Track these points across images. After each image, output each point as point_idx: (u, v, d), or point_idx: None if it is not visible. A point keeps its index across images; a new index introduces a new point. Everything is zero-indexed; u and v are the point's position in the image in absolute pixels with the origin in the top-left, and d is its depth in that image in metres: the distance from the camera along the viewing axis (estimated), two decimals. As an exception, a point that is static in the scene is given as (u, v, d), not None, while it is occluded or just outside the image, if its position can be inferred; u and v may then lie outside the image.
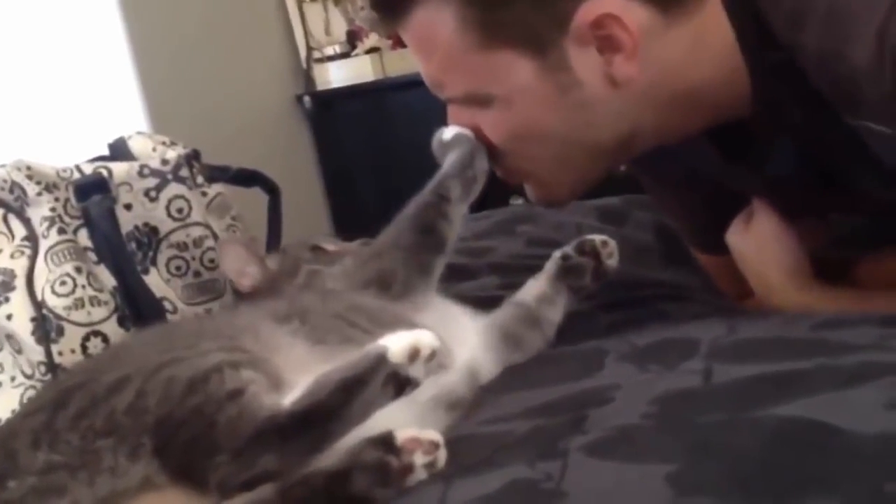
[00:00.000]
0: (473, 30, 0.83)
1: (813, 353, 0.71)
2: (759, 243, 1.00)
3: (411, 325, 0.80)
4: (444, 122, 2.85)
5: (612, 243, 0.92)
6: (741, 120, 0.88)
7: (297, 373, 0.71)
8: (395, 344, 0.65)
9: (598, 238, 0.92)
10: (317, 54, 2.65)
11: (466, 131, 0.90)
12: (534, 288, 0.92)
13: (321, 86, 2.64)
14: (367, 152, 2.60)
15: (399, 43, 2.60)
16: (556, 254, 0.93)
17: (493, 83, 0.86)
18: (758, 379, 0.68)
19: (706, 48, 0.85)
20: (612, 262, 0.92)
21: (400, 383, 0.64)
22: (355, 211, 2.62)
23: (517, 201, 2.28)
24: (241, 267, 0.93)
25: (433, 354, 0.66)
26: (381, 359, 0.64)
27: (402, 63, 2.53)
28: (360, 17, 2.70)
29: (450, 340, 0.81)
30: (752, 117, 0.87)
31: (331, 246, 0.95)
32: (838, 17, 0.76)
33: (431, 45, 0.87)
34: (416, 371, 0.65)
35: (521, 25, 0.83)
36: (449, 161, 0.90)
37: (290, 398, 0.63)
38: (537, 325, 0.90)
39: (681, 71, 0.85)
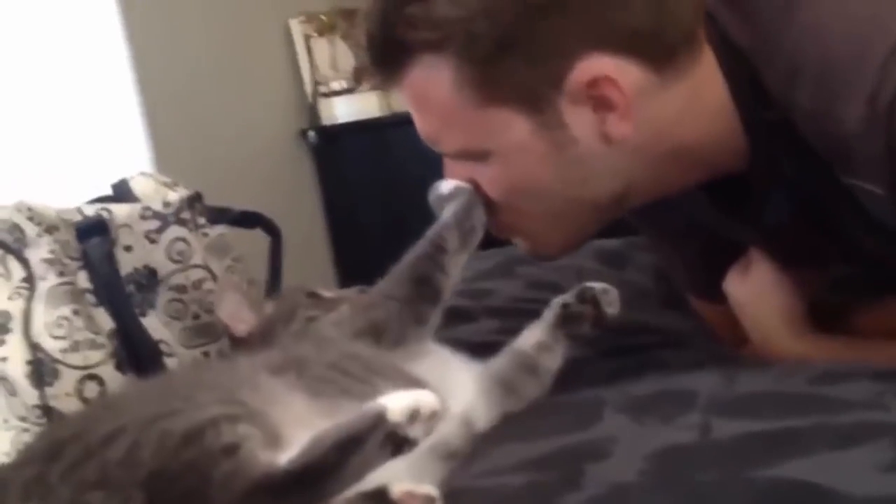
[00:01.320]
0: (469, 87, 0.84)
1: (809, 409, 0.71)
2: (756, 292, 1.00)
3: (407, 375, 0.80)
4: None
5: (613, 292, 0.92)
6: (737, 173, 0.89)
7: (295, 427, 0.70)
8: (395, 403, 0.64)
9: (598, 286, 0.92)
10: (323, 89, 2.67)
11: (464, 184, 0.91)
12: (532, 336, 0.91)
13: (326, 121, 2.66)
14: (371, 187, 2.61)
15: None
16: (557, 300, 0.93)
17: (488, 140, 0.86)
18: (754, 436, 0.68)
19: (701, 106, 0.86)
20: (612, 310, 0.92)
21: (398, 443, 0.63)
22: (358, 246, 2.63)
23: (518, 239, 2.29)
24: (236, 313, 0.93)
25: (433, 415, 0.65)
26: (380, 418, 0.63)
27: (407, 99, 2.54)
28: (360, 58, 2.71)
29: (445, 388, 0.80)
30: (748, 171, 0.88)
31: (327, 293, 0.96)
32: (830, 77, 0.77)
33: (428, 101, 0.88)
34: (415, 431, 0.64)
35: (517, 83, 0.83)
36: (447, 212, 0.90)
37: (286, 456, 0.63)
38: (535, 374, 0.89)
39: (676, 129, 0.86)
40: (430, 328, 0.88)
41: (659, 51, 0.83)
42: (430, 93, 0.87)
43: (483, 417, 0.84)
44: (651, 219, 1.09)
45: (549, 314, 0.92)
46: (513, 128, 0.85)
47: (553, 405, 0.86)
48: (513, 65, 0.83)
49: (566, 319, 0.91)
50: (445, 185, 0.92)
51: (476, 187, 0.90)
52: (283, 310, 0.93)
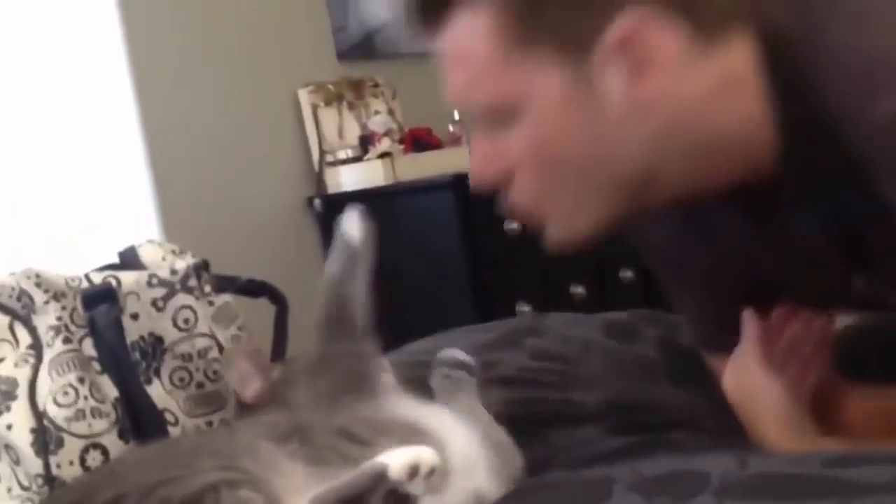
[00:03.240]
0: (506, 37, 0.83)
1: (824, 493, 0.69)
2: (748, 392, 0.99)
3: (413, 429, 0.80)
4: (453, 225, 2.87)
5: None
6: (764, 184, 0.87)
7: (295, 495, 0.70)
8: (396, 460, 0.65)
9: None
10: (329, 157, 2.69)
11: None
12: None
13: (332, 189, 2.67)
14: (376, 255, 2.61)
15: (410, 147, 2.65)
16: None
17: (521, 93, 0.85)
18: (769, 520, 0.67)
19: (732, 91, 0.84)
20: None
21: (399, 500, 0.64)
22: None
23: (523, 308, 2.29)
24: (245, 378, 0.93)
25: (433, 471, 0.66)
26: (380, 476, 0.64)
27: (413, 167, 2.56)
28: (374, 121, 2.75)
29: (446, 438, 0.80)
30: (775, 177, 0.86)
31: None
32: (866, 74, 0.76)
33: (466, 53, 0.87)
34: (415, 487, 0.65)
35: (554, 34, 0.83)
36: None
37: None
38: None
39: (705, 112, 0.84)
40: None
41: (703, 15, 0.83)
42: (468, 43, 0.86)
43: (492, 491, 0.83)
44: (670, 264, 1.07)
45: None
46: (546, 81, 0.84)
47: (562, 483, 0.84)
48: (553, 14, 0.82)
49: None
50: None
51: (500, 163, 0.89)
52: (285, 377, 0.93)
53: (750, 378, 0.99)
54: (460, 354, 0.92)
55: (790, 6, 0.83)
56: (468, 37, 0.86)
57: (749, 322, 1.01)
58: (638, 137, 0.85)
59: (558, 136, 0.86)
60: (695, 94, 0.84)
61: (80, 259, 1.21)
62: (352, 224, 0.89)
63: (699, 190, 0.90)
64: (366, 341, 0.90)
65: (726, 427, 0.99)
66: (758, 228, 0.93)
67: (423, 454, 0.66)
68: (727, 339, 1.03)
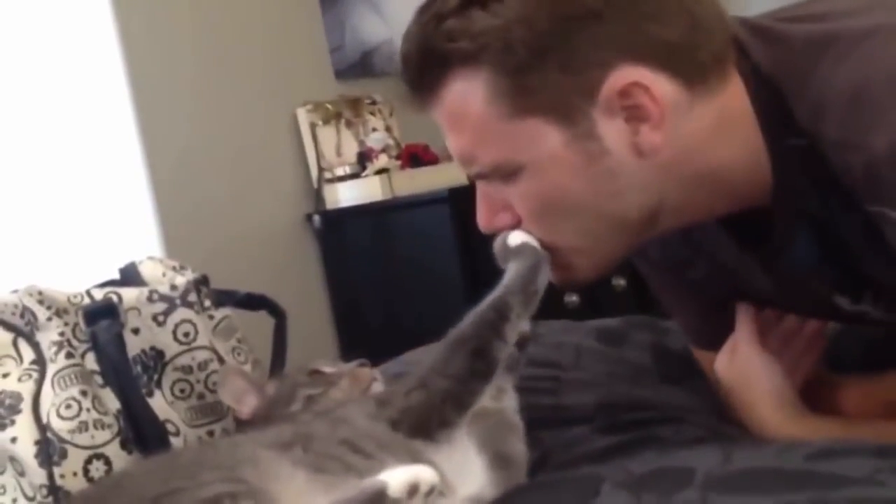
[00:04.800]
0: (503, 99, 0.85)
1: (806, 485, 0.71)
2: (744, 377, 1.01)
3: (414, 451, 0.81)
4: (450, 238, 2.88)
5: None
6: (761, 210, 0.89)
7: (298, 502, 0.71)
8: (395, 479, 0.66)
9: None
10: (328, 174, 2.72)
11: (533, 241, 0.90)
12: None
13: (331, 205, 2.70)
14: (373, 269, 2.63)
15: (407, 163, 2.67)
16: None
17: (522, 153, 0.86)
18: (751, 512, 0.69)
19: (729, 130, 0.86)
20: (526, 327, 0.92)
21: None
22: (361, 326, 2.64)
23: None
24: (239, 396, 0.95)
25: (432, 490, 0.66)
26: (380, 494, 0.65)
27: (410, 183, 2.59)
28: (371, 138, 2.77)
29: (455, 470, 0.81)
30: (773, 203, 0.88)
31: (328, 368, 0.97)
32: (861, 107, 0.78)
33: (462, 117, 0.88)
34: None
35: (551, 93, 0.84)
36: (512, 272, 0.89)
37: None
38: (510, 425, 0.91)
39: (704, 149, 0.86)
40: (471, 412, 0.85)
41: (691, 67, 0.85)
42: (465, 107, 0.87)
43: (489, 497, 0.84)
44: (663, 268, 1.09)
45: None
46: (546, 139, 0.85)
47: (551, 482, 0.86)
48: (547, 74, 0.84)
49: None
50: (514, 237, 0.91)
51: (511, 212, 0.90)
52: (284, 390, 0.95)
53: (744, 361, 1.00)
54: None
55: (775, 52, 0.85)
56: (466, 102, 0.87)
57: (743, 309, 1.03)
58: (642, 182, 0.87)
59: (561, 189, 0.88)
60: (694, 134, 0.86)
61: (82, 276, 1.23)
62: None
63: (698, 218, 0.92)
64: None
65: (714, 422, 1.00)
66: (749, 256, 0.95)
67: (422, 473, 0.67)
68: (718, 337, 1.05)
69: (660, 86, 0.83)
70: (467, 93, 0.87)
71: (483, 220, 0.93)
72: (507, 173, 0.88)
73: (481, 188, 0.93)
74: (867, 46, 0.80)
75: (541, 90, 0.84)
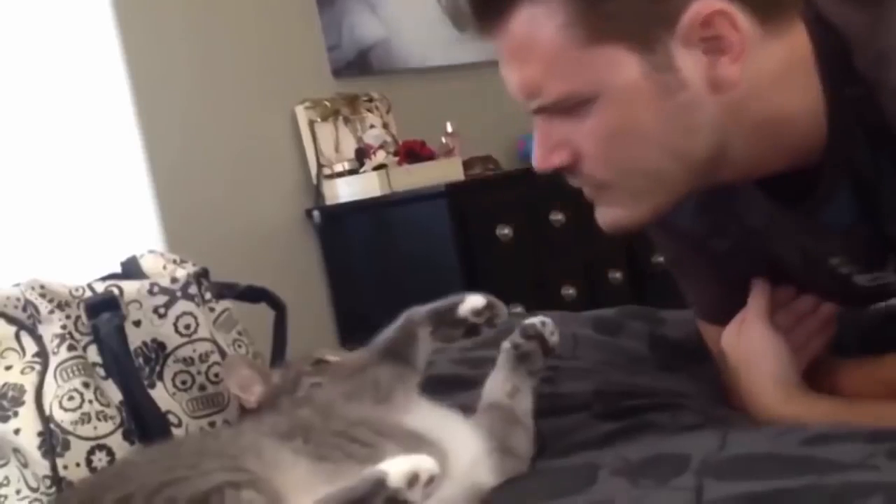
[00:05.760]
0: (580, 25, 0.82)
1: (802, 470, 0.72)
2: (749, 354, 1.00)
3: (412, 434, 0.82)
4: (447, 233, 2.88)
5: (550, 322, 0.95)
6: (804, 170, 0.88)
7: (299, 492, 0.72)
8: (396, 468, 0.66)
9: (537, 320, 0.95)
10: (326, 171, 2.73)
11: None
12: (500, 385, 0.93)
13: (330, 200, 2.71)
14: (373, 263, 2.64)
15: (405, 159, 2.68)
16: (506, 345, 0.94)
17: (597, 82, 0.84)
18: (747, 497, 0.69)
19: (793, 75, 0.85)
20: (554, 338, 0.94)
21: None
22: (360, 319, 2.65)
23: (517, 309, 2.31)
24: (245, 386, 0.95)
25: (432, 479, 0.67)
26: (380, 483, 0.66)
27: (407, 178, 2.60)
28: (369, 135, 2.78)
29: (447, 444, 0.82)
30: (823, 157, 0.87)
31: (333, 357, 0.97)
32: None
33: (532, 46, 0.85)
34: (414, 495, 0.66)
35: (629, 20, 0.82)
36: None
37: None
38: (518, 422, 0.91)
39: (769, 93, 0.85)
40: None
41: (767, 3, 0.84)
42: (537, 34, 0.84)
43: (488, 484, 0.85)
44: (684, 242, 1.07)
45: (505, 359, 0.94)
46: (623, 68, 0.83)
47: (548, 469, 0.87)
48: (623, 3, 0.82)
49: (521, 359, 0.93)
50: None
51: (572, 147, 0.88)
52: (289, 378, 0.95)
53: (751, 335, 1.00)
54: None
55: (843, 1, 0.85)
56: (538, 30, 0.84)
57: (759, 284, 1.02)
58: (711, 120, 0.85)
59: (634, 121, 0.85)
60: (763, 76, 0.85)
61: (84, 270, 1.23)
62: (475, 303, 0.92)
63: (755, 173, 0.91)
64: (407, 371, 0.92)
65: (710, 408, 1.01)
66: (784, 214, 0.94)
67: (422, 463, 0.67)
68: (729, 312, 1.03)
69: (737, 19, 0.82)
70: (540, 18, 0.83)
71: (540, 157, 0.90)
72: (574, 105, 0.85)
73: (540, 124, 0.89)
74: None
75: (620, 16, 0.82)
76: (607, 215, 0.92)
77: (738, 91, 0.84)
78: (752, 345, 1.00)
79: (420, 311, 0.92)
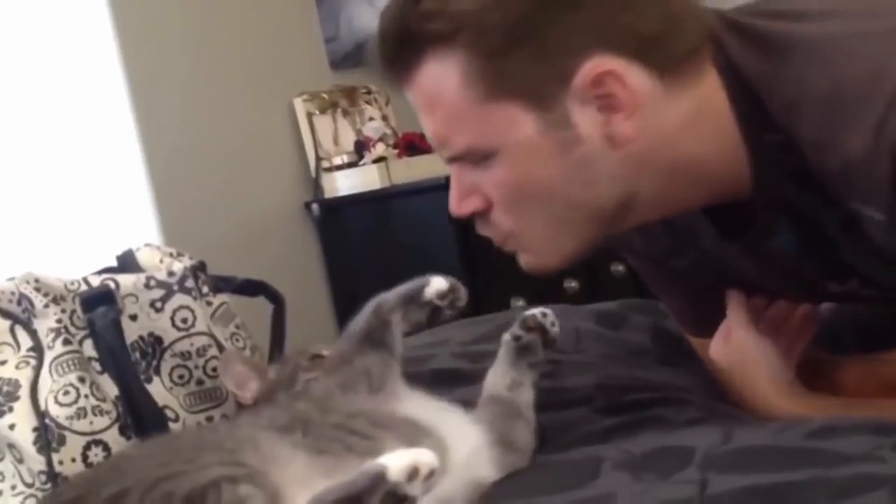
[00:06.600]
0: (479, 82, 0.84)
1: (806, 463, 0.71)
2: (741, 360, 1.01)
3: (411, 424, 0.82)
4: (447, 225, 2.86)
5: (551, 312, 0.95)
6: (742, 199, 0.89)
7: (297, 486, 0.71)
8: (395, 462, 0.66)
9: (537, 311, 0.95)
10: (325, 163, 2.72)
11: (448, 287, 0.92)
12: (501, 378, 0.93)
13: (329, 193, 2.70)
14: (372, 256, 2.64)
15: (404, 151, 2.67)
16: (506, 337, 0.94)
17: (496, 137, 0.86)
18: (751, 491, 0.69)
19: (704, 123, 0.86)
20: (555, 329, 0.94)
21: (398, 501, 0.65)
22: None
23: (518, 302, 2.30)
24: (241, 382, 0.95)
25: (432, 473, 0.66)
26: (380, 477, 0.65)
27: (407, 171, 2.59)
28: (368, 127, 2.77)
29: (445, 434, 0.82)
30: (752, 196, 0.88)
31: (328, 352, 0.97)
32: (835, 107, 0.78)
33: (437, 99, 0.88)
34: (414, 489, 0.65)
35: (525, 78, 0.84)
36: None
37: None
38: (520, 415, 0.91)
39: (679, 141, 0.86)
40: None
41: (664, 58, 0.84)
42: (440, 89, 0.87)
43: (489, 477, 0.84)
44: (650, 261, 1.09)
45: (506, 351, 0.94)
46: (520, 125, 0.85)
47: (551, 463, 0.86)
48: (522, 59, 0.83)
49: (521, 351, 0.93)
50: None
51: (482, 194, 0.90)
52: (285, 373, 0.95)
53: (740, 345, 1.01)
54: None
55: (751, 49, 0.85)
56: (441, 86, 0.87)
57: (734, 296, 1.03)
58: (615, 172, 0.87)
59: (533, 176, 0.87)
60: (668, 125, 0.86)
61: (80, 264, 1.23)
62: (439, 285, 0.92)
63: (674, 211, 0.92)
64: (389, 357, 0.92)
65: (713, 402, 1.00)
66: (731, 243, 0.95)
67: (422, 456, 0.67)
68: (710, 324, 1.05)
69: (633, 76, 0.83)
70: (442, 75, 0.86)
71: (454, 203, 0.93)
72: (479, 158, 0.88)
73: (454, 172, 0.92)
74: (841, 49, 0.80)
75: (516, 75, 0.84)
76: (522, 259, 0.95)
77: (641, 143, 0.85)
78: (743, 354, 1.01)
79: (388, 297, 0.94)
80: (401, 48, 0.88)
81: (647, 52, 0.83)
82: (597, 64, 0.82)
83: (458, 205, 0.93)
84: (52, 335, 0.96)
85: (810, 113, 0.80)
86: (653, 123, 0.85)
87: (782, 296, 1.03)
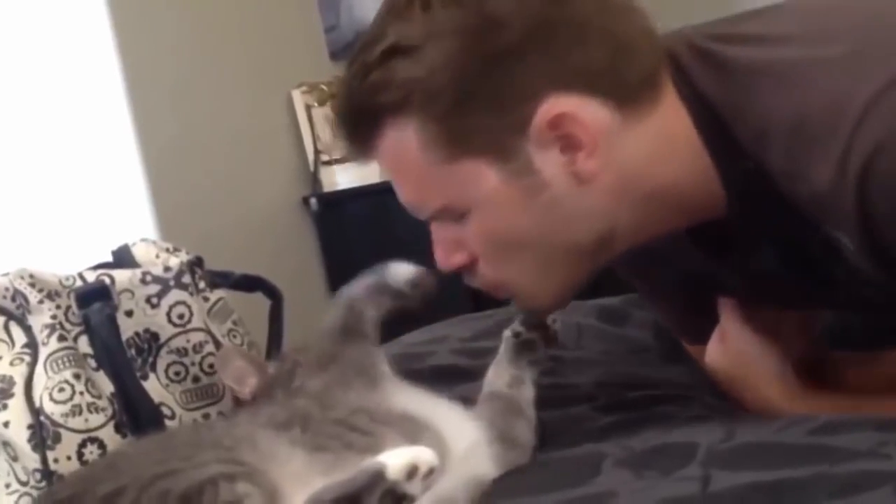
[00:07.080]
0: (436, 145, 0.85)
1: (809, 459, 0.71)
2: (741, 361, 1.00)
3: (411, 419, 0.81)
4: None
5: None
6: (719, 224, 0.89)
7: (296, 484, 0.71)
8: (395, 460, 0.66)
9: None
10: (324, 157, 2.71)
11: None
12: (501, 374, 0.93)
13: (327, 187, 2.69)
14: (370, 250, 2.62)
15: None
16: (507, 333, 0.95)
17: (464, 194, 0.87)
18: (754, 487, 0.68)
19: (672, 150, 0.86)
20: (556, 326, 0.95)
21: (397, 499, 0.65)
22: (360, 310, 2.64)
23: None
24: (240, 378, 0.94)
25: (431, 471, 0.66)
26: (378, 475, 0.65)
27: (406, 165, 2.59)
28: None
29: (444, 430, 0.82)
30: (730, 218, 0.88)
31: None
32: (801, 137, 0.78)
33: (401, 166, 0.89)
34: (413, 487, 0.66)
35: (482, 134, 0.84)
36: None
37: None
38: (521, 413, 0.90)
39: (648, 170, 0.86)
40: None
41: (620, 89, 0.84)
42: (402, 156, 0.88)
43: (489, 475, 0.84)
44: (639, 272, 1.09)
45: (506, 347, 0.94)
46: (485, 179, 0.85)
47: (553, 460, 0.86)
48: (476, 115, 0.84)
49: (522, 348, 0.93)
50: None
51: (466, 248, 0.91)
52: (283, 370, 0.94)
53: (738, 347, 1.00)
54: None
55: (717, 77, 0.85)
56: (403, 152, 0.87)
57: (725, 303, 1.03)
58: (588, 209, 0.87)
59: (508, 226, 0.88)
60: (635, 154, 0.85)
61: (76, 259, 1.22)
62: (405, 271, 0.95)
63: (657, 234, 0.92)
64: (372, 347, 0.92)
65: (715, 399, 1.00)
66: (714, 261, 0.95)
67: (421, 455, 0.67)
68: (705, 330, 1.05)
69: (589, 112, 0.83)
70: (401, 142, 0.87)
71: (441, 260, 0.93)
72: (456, 215, 0.89)
73: (435, 230, 0.93)
74: (803, 76, 0.80)
75: (472, 132, 0.84)
76: (518, 302, 0.95)
77: (610, 175, 0.85)
78: (741, 356, 1.01)
79: (355, 289, 0.96)
80: (358, 123, 0.89)
81: (601, 86, 0.83)
82: (551, 106, 0.82)
83: (446, 260, 0.93)
84: (46, 331, 0.95)
85: (777, 143, 0.80)
86: (618, 155, 0.84)
87: (776, 306, 1.03)
